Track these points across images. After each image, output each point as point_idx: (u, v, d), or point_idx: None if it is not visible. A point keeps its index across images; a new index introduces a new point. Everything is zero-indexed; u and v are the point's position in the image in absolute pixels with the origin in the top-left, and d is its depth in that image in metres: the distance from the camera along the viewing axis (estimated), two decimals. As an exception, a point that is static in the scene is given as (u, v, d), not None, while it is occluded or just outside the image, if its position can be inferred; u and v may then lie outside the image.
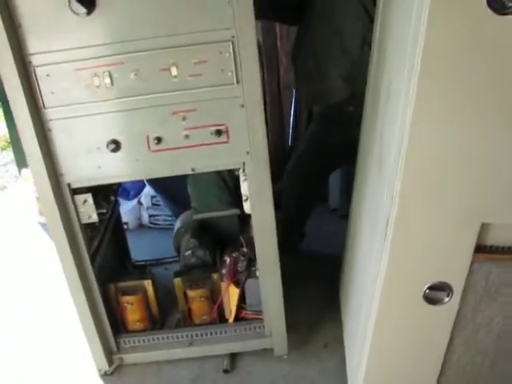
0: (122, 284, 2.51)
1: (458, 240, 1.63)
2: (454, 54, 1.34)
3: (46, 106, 1.96)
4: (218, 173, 2.52)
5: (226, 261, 2.50)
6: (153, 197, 3.64)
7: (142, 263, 3.10)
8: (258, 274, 2.35)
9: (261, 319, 2.47)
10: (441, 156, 1.48)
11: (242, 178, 2.14)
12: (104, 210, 2.34)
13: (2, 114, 4.46)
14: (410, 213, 1.59)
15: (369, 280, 1.89)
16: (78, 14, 1.81)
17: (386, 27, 1.95)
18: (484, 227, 1.60)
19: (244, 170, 2.10)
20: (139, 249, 3.23)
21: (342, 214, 3.29)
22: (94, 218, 2.20)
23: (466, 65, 1.35)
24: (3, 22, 1.79)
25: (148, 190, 3.67)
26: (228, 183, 2.56)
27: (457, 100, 1.40)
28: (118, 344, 2.53)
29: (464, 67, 1.35)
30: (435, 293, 1.71)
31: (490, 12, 1.25)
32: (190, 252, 2.60)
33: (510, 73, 1.34)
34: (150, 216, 3.69)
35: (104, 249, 2.48)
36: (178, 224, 2.90)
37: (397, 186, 1.55)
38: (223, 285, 2.47)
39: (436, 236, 1.62)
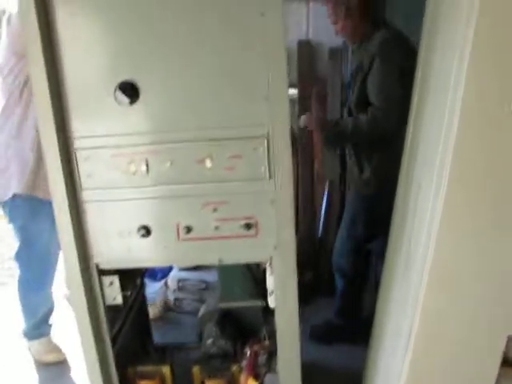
0: (141, 368, 2.48)
1: (484, 354, 1.59)
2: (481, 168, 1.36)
3: (83, 187, 2.02)
4: (246, 264, 2.53)
5: (246, 353, 2.47)
6: (180, 280, 3.64)
7: (164, 346, 3.07)
8: (277, 369, 2.30)
9: (278, 416, 2.40)
10: (461, 271, 1.48)
11: (268, 272, 2.14)
12: (129, 293, 2.34)
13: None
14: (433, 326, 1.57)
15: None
16: (121, 103, 1.89)
17: (419, 126, 1.98)
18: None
19: (271, 264, 2.10)
20: (162, 331, 3.21)
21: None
22: (119, 300, 2.20)
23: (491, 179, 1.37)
24: (53, 106, 1.89)
25: (175, 273, 3.68)
26: (255, 274, 2.56)
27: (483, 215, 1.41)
28: (132, 429, 2.48)
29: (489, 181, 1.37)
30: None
31: None
32: (211, 340, 2.58)
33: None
34: (176, 299, 3.68)
35: (126, 331, 2.46)
36: (202, 310, 2.89)
37: (420, 298, 1.53)
38: (242, 377, 2.42)
39: (461, 355, 1.58)
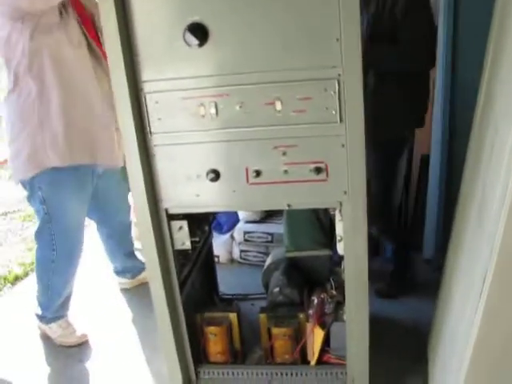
0: (208, 314, 2.51)
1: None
2: None
3: (152, 131, 2.04)
4: (313, 211, 2.51)
5: (313, 301, 2.46)
6: (246, 232, 3.65)
7: (229, 297, 3.10)
8: (345, 317, 2.29)
9: (344, 365, 2.39)
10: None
11: (337, 218, 2.12)
12: (197, 239, 2.36)
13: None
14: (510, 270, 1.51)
15: (460, 338, 1.81)
16: (190, 45, 1.87)
17: (496, 75, 1.90)
18: None
19: (340, 211, 2.07)
20: (228, 283, 3.23)
21: (437, 266, 3.18)
22: (188, 245, 2.23)
23: None
24: (123, 51, 1.91)
25: (241, 226, 3.69)
26: (323, 223, 2.54)
27: None
28: (197, 374, 2.51)
29: None
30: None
31: None
32: (278, 289, 2.58)
33: None
34: (241, 251, 3.70)
35: (193, 278, 2.49)
36: (268, 260, 2.89)
37: (497, 241, 1.47)
38: (308, 325, 2.42)
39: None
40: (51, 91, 2.64)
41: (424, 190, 3.51)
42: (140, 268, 3.50)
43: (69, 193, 2.79)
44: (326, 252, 2.56)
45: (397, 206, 3.22)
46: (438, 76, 3.22)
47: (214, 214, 2.79)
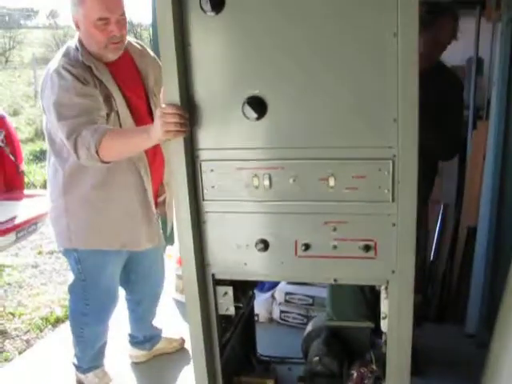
0: (246, 379, 2.50)
1: None
2: None
3: (205, 198, 2.08)
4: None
5: (352, 375, 2.43)
6: (287, 293, 3.63)
7: (267, 359, 3.08)
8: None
9: None
10: None
11: (383, 295, 2.10)
12: (241, 304, 2.36)
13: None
14: None
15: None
16: (248, 117, 1.92)
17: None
18: None
19: (387, 288, 2.05)
20: (266, 343, 3.20)
21: (480, 342, 3.10)
22: (232, 310, 2.24)
23: None
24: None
25: (282, 286, 3.68)
26: (367, 295, 2.52)
27: None
28: None
29: None
30: None
31: None
32: (317, 358, 2.55)
33: None
34: (282, 312, 3.67)
35: (234, 341, 2.49)
36: (309, 327, 2.87)
37: None
38: (347, 399, 2.39)
39: None
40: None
41: (470, 263, 3.46)
42: (159, 337, 3.37)
43: (104, 256, 2.72)
44: (368, 324, 2.53)
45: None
46: (488, 147, 3.21)
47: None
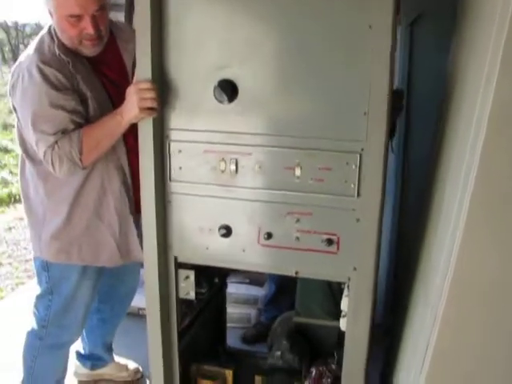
0: (204, 367, 2.48)
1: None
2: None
3: (172, 178, 2.05)
4: (328, 281, 2.46)
5: (311, 372, 2.39)
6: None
7: (234, 350, 3.05)
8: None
9: None
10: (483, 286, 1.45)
11: (344, 293, 2.07)
12: (203, 290, 2.34)
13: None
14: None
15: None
16: (219, 100, 1.89)
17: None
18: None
19: (348, 286, 2.02)
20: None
21: (385, 330, 3.07)
22: (192, 295, 2.21)
23: None
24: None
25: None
26: (335, 294, 2.48)
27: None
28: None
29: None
30: None
31: None
32: (279, 353, 2.52)
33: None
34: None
35: (196, 328, 2.47)
36: (276, 322, 2.84)
37: (439, 313, 1.49)
38: (302, 396, 2.36)
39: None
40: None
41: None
42: (104, 362, 3.06)
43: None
44: (334, 323, 2.49)
45: None
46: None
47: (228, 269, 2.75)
